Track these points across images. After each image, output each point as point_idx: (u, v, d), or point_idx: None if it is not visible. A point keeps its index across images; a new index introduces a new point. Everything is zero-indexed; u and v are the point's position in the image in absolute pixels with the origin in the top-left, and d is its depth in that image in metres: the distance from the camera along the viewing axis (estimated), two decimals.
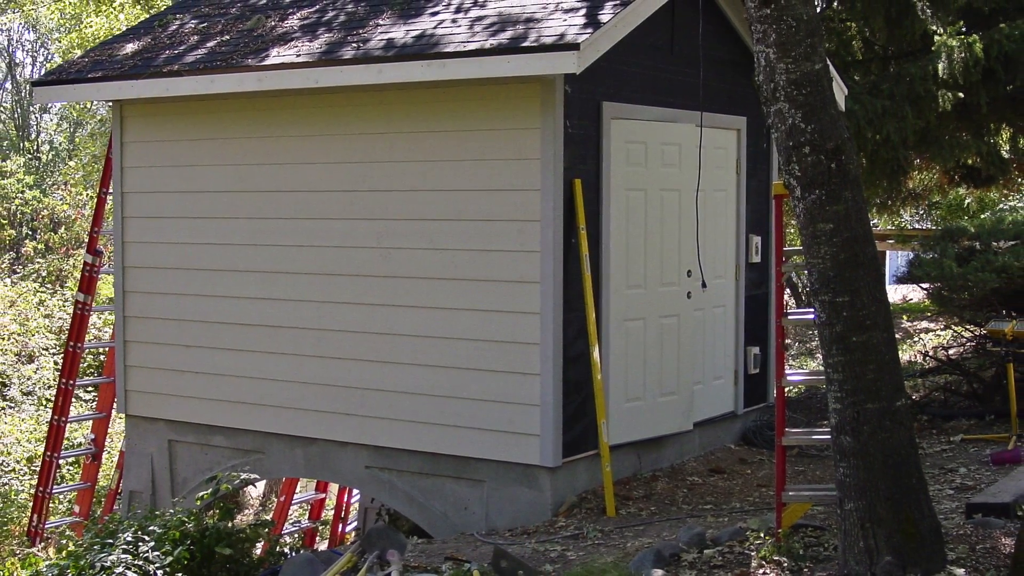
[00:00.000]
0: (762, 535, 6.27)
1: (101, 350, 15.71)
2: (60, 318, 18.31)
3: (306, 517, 13.28)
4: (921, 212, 23.35)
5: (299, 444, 9.24)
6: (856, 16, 13.46)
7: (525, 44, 7.63)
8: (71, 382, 11.07)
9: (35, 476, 12.75)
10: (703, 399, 9.41)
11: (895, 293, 20.03)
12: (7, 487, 14.30)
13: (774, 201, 6.33)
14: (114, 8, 24.64)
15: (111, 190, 10.40)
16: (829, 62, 6.03)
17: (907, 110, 12.36)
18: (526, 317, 8.07)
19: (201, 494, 7.80)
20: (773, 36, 5.38)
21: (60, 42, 28.26)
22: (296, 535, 12.72)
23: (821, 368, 5.66)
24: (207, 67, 8.95)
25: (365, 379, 8.80)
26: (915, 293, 18.76)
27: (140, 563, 6.39)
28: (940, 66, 12.29)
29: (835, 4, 13.68)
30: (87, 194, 24.05)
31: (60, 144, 35.75)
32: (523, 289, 8.08)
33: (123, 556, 6.42)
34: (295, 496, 12.28)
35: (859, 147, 12.53)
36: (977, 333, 11.05)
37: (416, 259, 8.54)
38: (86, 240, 12.15)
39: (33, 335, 17.79)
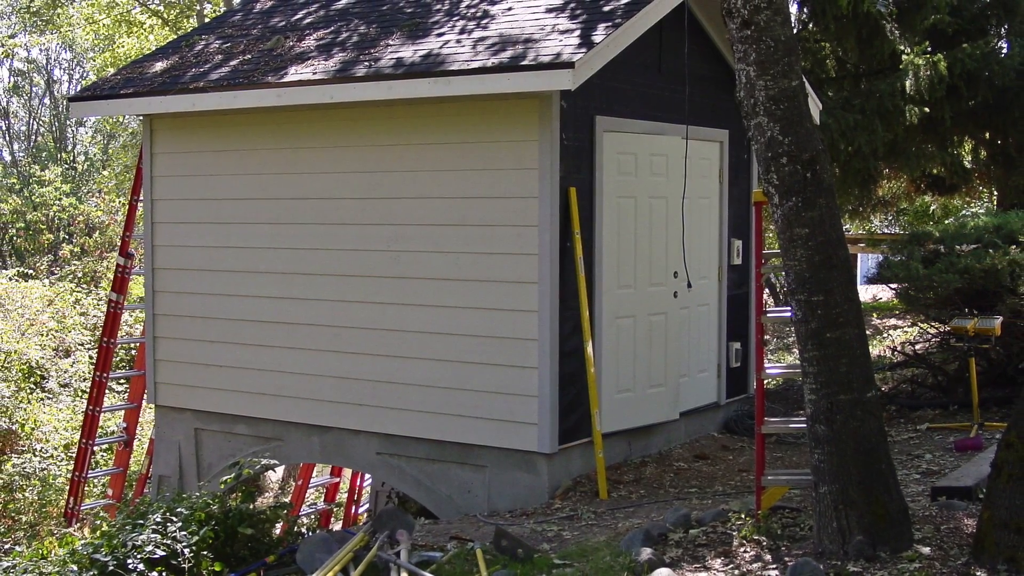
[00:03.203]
0: (743, 516, 6.26)
1: (132, 345, 15.65)
2: (94, 316, 18.29)
3: (322, 500, 13.27)
4: (890, 218, 23.33)
5: (315, 432, 9.24)
6: (830, 37, 13.47)
7: (524, 63, 7.62)
8: (105, 375, 11.05)
9: (72, 462, 12.74)
10: (688, 390, 9.40)
11: (866, 293, 20.03)
12: (46, 472, 14.29)
13: (754, 208, 6.34)
14: (144, 30, 24.65)
15: (142, 197, 10.38)
16: (805, 79, 6.03)
17: (877, 124, 12.38)
18: (525, 315, 8.06)
19: (225, 478, 7.78)
20: (753, 55, 5.38)
21: (94, 61, 28.24)
22: (312, 516, 12.70)
23: (798, 362, 5.65)
24: (230, 84, 8.95)
25: (376, 372, 8.79)
26: (884, 293, 18.77)
27: (168, 542, 6.38)
28: (907, 83, 12.30)
29: (810, 25, 13.68)
30: (119, 201, 24.04)
31: (94, 155, 35.73)
32: (522, 289, 8.07)
33: (153, 535, 6.41)
34: (311, 480, 12.26)
35: (832, 158, 12.53)
36: (942, 330, 11.05)
37: (423, 261, 8.53)
38: (118, 244, 12.12)
39: (70, 331, 17.78)
